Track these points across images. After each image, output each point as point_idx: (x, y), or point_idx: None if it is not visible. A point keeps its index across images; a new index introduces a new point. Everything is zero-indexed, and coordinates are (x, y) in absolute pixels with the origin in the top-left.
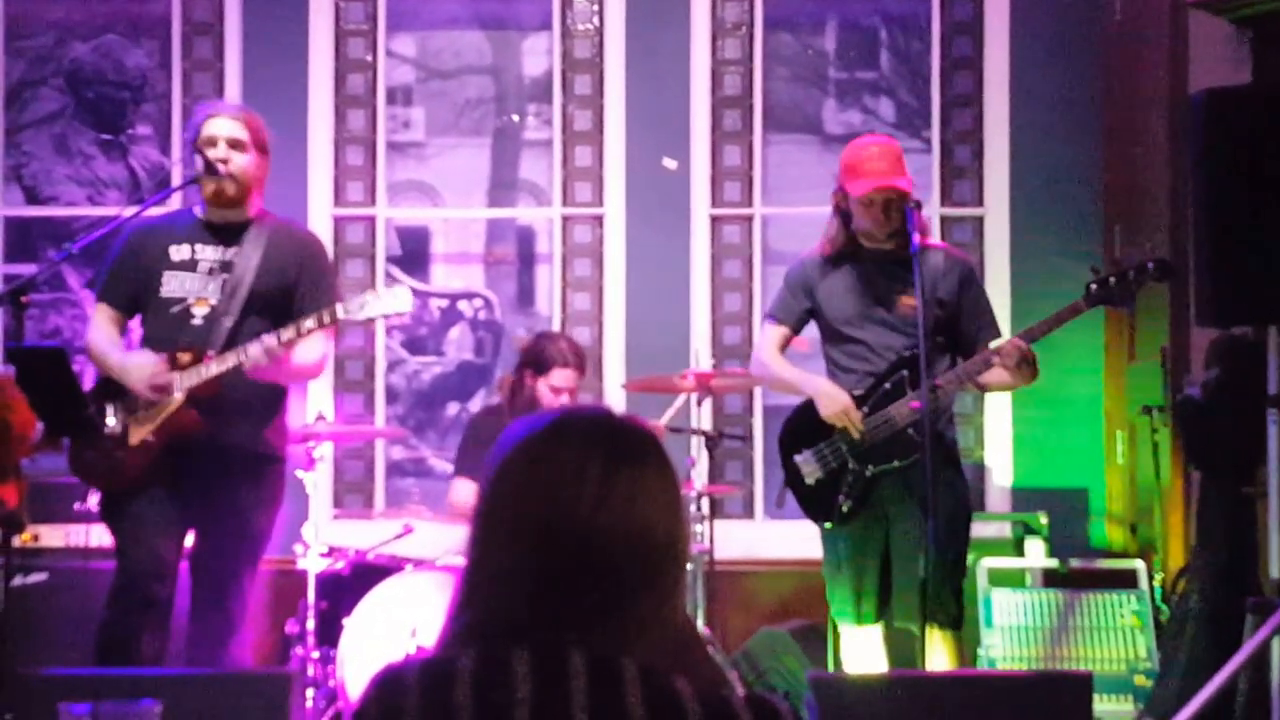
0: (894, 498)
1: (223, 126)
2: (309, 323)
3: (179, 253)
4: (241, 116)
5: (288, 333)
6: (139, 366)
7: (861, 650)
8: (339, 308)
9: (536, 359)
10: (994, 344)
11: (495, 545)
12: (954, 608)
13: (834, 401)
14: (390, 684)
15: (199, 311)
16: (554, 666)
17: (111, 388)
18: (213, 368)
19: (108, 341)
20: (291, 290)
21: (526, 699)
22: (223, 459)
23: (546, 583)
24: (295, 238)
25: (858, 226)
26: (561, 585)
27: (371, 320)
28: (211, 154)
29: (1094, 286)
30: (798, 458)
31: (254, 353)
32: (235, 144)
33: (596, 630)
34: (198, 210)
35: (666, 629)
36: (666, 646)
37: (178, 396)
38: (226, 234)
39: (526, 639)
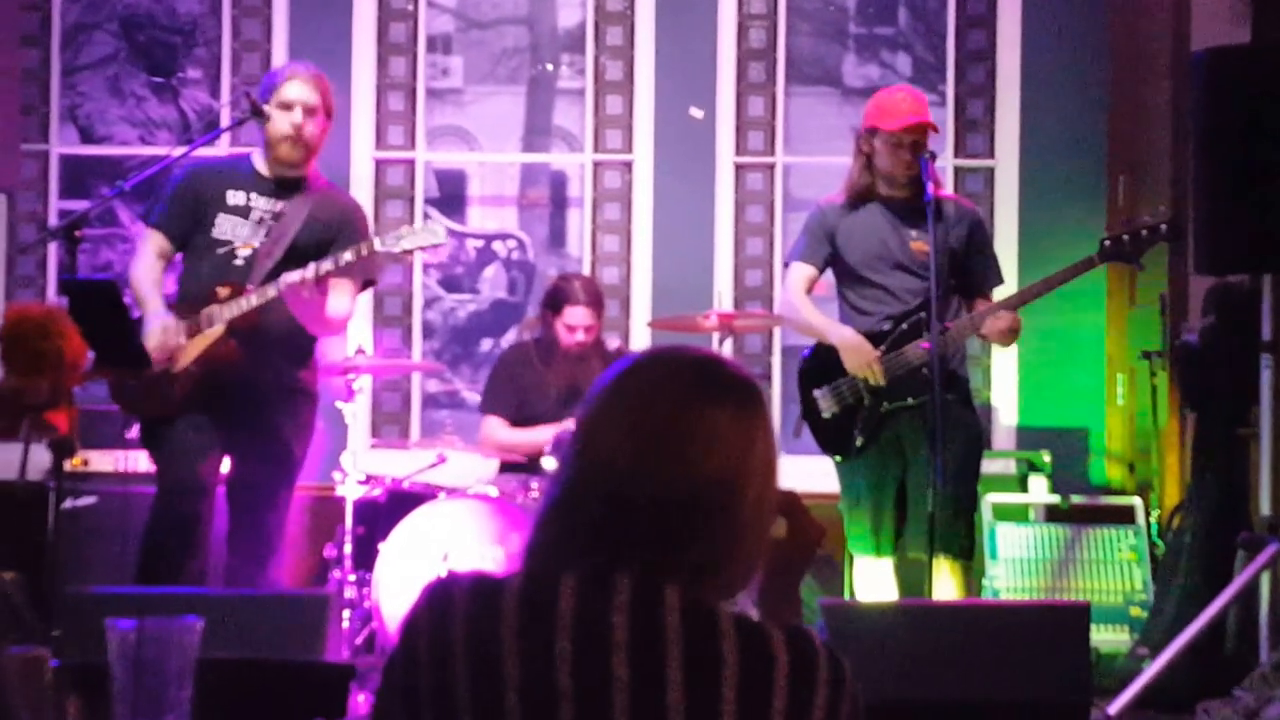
0: (910, 434)
1: (303, 92)
2: (347, 255)
3: (235, 198)
4: (316, 83)
5: (326, 264)
6: (156, 333)
7: (875, 580)
8: (376, 240)
9: (553, 298)
10: (1000, 293)
11: (568, 472)
12: (966, 539)
13: (859, 355)
14: (441, 594)
15: (243, 254)
16: (599, 586)
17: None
18: (253, 299)
19: (151, 282)
20: (327, 249)
21: (569, 612)
22: (258, 392)
23: (604, 512)
24: (340, 203)
25: (881, 167)
26: (616, 516)
27: (408, 253)
28: (289, 117)
29: (1107, 243)
30: (816, 392)
31: (291, 279)
32: (310, 110)
33: (647, 563)
34: (257, 158)
35: (724, 578)
36: (723, 584)
37: (219, 327)
38: (280, 188)
39: (578, 564)
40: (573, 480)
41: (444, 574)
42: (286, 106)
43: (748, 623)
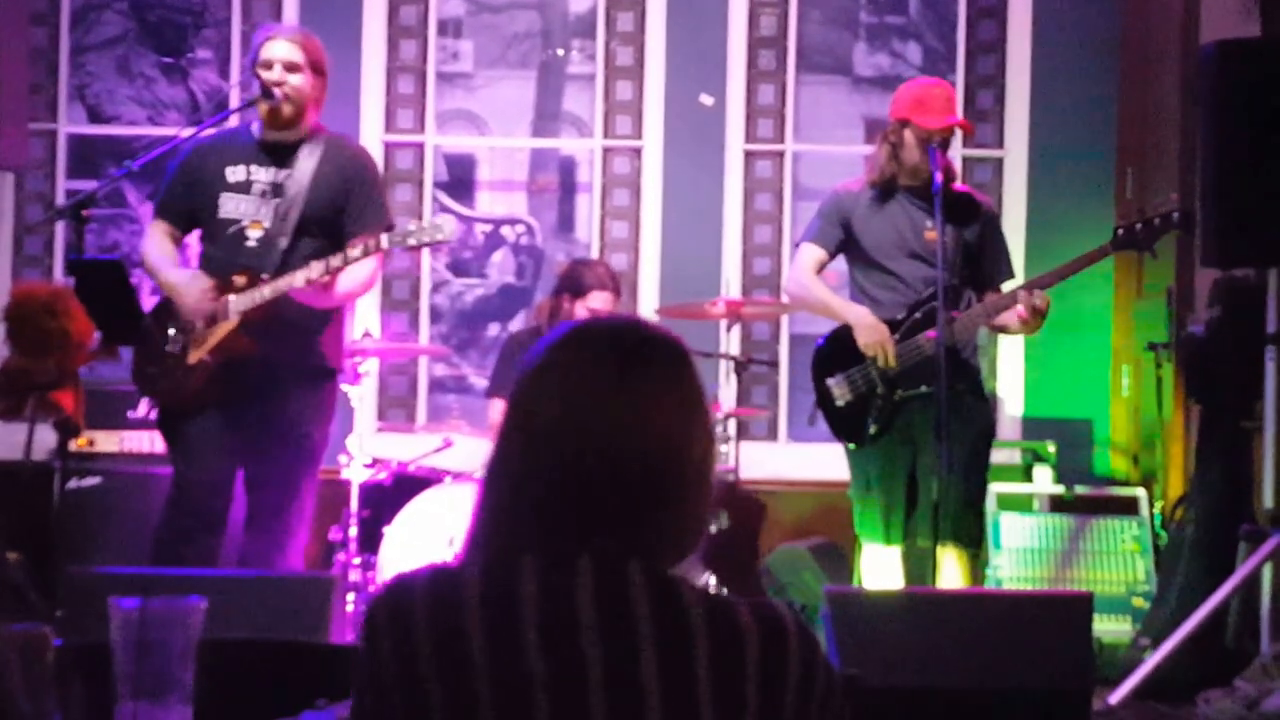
0: (921, 423)
1: (279, 49)
2: (355, 251)
3: (234, 174)
4: (298, 39)
5: (335, 260)
6: (188, 289)
7: (883, 568)
8: (384, 238)
9: (575, 283)
10: (1010, 286)
11: (508, 454)
12: (976, 529)
13: (873, 332)
14: (398, 595)
15: (253, 234)
16: (561, 572)
17: (173, 307)
18: (266, 291)
19: (162, 256)
20: (342, 209)
21: (533, 597)
22: (278, 375)
23: (552, 491)
24: (345, 155)
25: (907, 160)
26: (566, 493)
27: (416, 249)
28: (267, 76)
29: (1120, 232)
30: (829, 380)
31: (299, 280)
32: (291, 66)
33: (602, 539)
34: (255, 128)
35: (682, 540)
36: (677, 547)
37: (233, 319)
38: (280, 154)
39: (535, 547)
40: (514, 462)
41: (397, 574)
42: (267, 66)
43: (714, 599)
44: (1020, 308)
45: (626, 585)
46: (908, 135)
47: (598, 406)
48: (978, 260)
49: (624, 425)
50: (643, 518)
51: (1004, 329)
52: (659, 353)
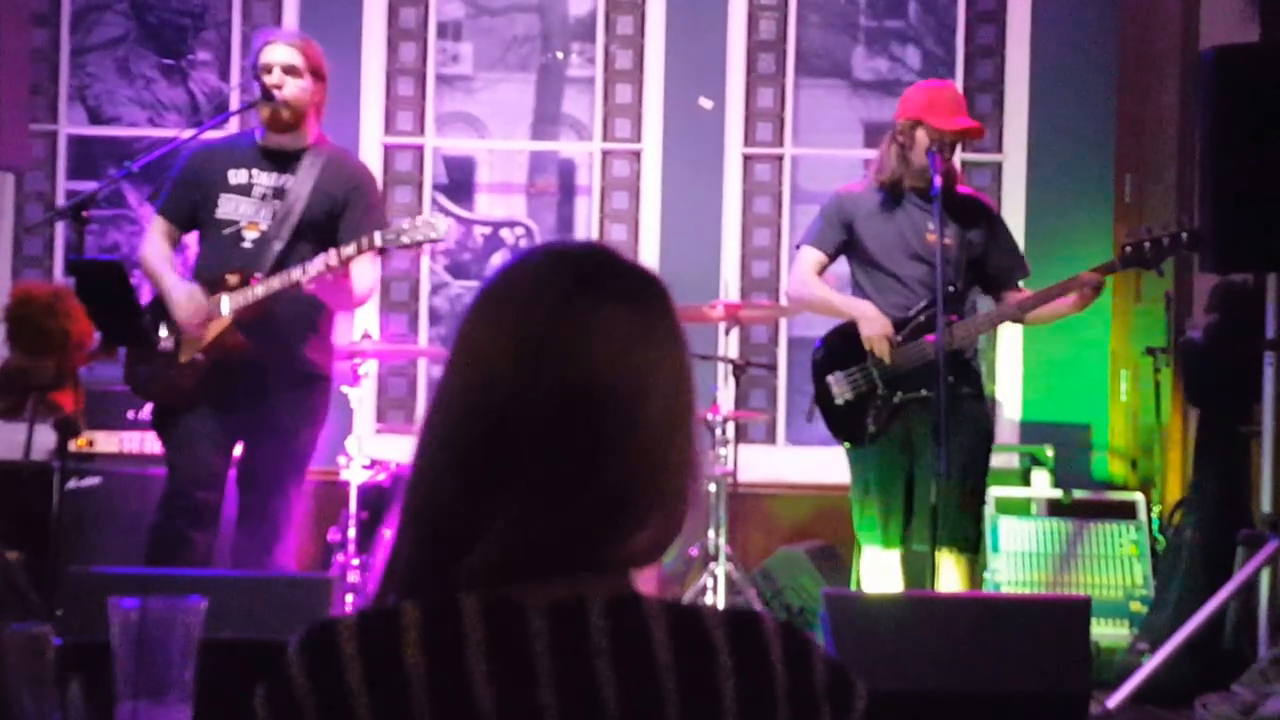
0: (920, 426)
1: (279, 53)
2: (349, 250)
3: (236, 176)
4: (298, 44)
5: (332, 258)
6: (182, 306)
7: (882, 571)
8: (377, 235)
9: None
10: (1025, 283)
11: (442, 413)
12: (974, 533)
13: (876, 324)
14: (321, 651)
15: (249, 235)
16: (510, 624)
17: (165, 305)
18: (259, 290)
19: (161, 258)
20: (338, 219)
21: (485, 667)
22: (268, 377)
23: (490, 443)
24: (346, 168)
25: (915, 160)
26: (505, 454)
27: (410, 247)
28: (267, 80)
29: (1129, 249)
30: (830, 378)
31: (294, 276)
32: (291, 70)
33: (545, 546)
34: (257, 134)
35: (645, 514)
36: (647, 538)
37: (226, 317)
38: (282, 160)
39: (473, 579)
40: (450, 404)
41: (318, 620)
42: (266, 69)
43: (684, 622)
44: (1086, 289)
45: (587, 624)
46: (919, 136)
47: (542, 334)
48: (983, 263)
49: (569, 357)
50: (590, 486)
51: (1034, 319)
52: (622, 281)
